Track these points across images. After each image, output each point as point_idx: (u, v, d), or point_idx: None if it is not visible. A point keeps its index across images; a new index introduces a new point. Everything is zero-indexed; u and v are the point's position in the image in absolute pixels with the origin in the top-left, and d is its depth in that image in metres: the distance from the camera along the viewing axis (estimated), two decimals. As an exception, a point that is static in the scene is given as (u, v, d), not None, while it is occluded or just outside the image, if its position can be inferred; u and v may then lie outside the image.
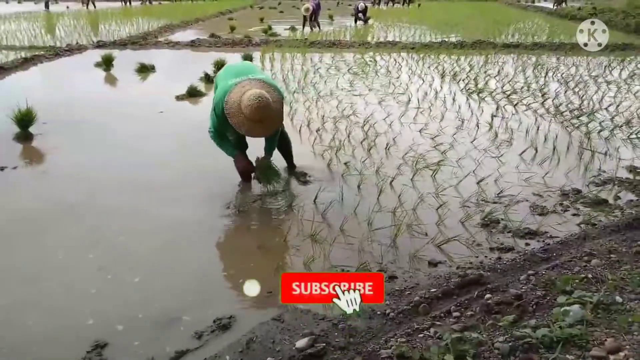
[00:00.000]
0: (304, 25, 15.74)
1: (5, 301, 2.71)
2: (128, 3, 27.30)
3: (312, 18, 15.65)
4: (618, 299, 2.35)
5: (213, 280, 2.92)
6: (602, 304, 2.30)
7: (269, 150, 4.00)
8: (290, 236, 3.34)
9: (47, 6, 21.76)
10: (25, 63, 9.70)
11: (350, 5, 26.16)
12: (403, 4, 29.62)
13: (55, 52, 10.87)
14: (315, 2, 16.23)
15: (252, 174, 4.06)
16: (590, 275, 2.63)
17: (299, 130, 5.53)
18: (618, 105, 6.48)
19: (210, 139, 3.94)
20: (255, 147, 4.13)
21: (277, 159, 4.22)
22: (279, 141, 4.14)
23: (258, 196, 3.99)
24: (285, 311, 2.57)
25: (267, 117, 3.44)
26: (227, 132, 3.85)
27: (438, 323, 2.38)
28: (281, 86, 7.33)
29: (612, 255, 2.88)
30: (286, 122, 5.53)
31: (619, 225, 3.34)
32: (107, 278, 2.91)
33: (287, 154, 4.42)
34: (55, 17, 19.37)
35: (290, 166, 4.47)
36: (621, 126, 5.62)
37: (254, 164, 3.97)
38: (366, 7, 18.25)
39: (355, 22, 17.78)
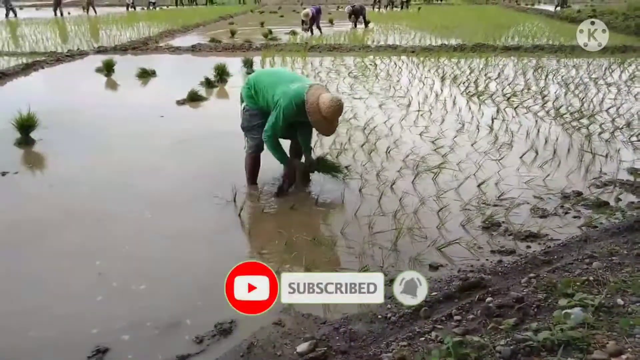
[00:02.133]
0: (303, 29, 15.83)
1: (8, 308, 2.71)
2: (132, 8, 27.40)
3: (312, 23, 15.72)
4: (620, 301, 2.34)
5: (213, 284, 2.90)
6: (604, 307, 2.29)
7: (308, 150, 4.26)
8: (292, 240, 3.34)
9: (56, 12, 21.86)
10: (26, 69, 9.73)
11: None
12: (401, 7, 29.66)
13: (57, 58, 10.90)
14: (316, 7, 16.36)
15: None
16: (591, 278, 2.62)
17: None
18: (618, 108, 6.48)
19: (264, 141, 4.01)
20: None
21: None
22: (308, 134, 4.27)
23: (259, 200, 3.99)
24: (286, 315, 2.57)
25: (338, 117, 3.90)
26: (283, 131, 3.99)
27: (439, 327, 2.38)
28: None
29: (613, 258, 2.87)
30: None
31: (620, 227, 3.33)
32: (111, 285, 2.91)
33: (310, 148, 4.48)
34: (57, 23, 19.44)
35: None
36: (622, 128, 5.62)
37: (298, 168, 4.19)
38: (362, 8, 18.20)
39: (355, 25, 17.79)
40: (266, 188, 4.23)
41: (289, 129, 4.01)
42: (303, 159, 4.27)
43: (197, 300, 2.75)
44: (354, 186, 4.19)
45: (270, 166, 4.35)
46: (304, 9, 16.50)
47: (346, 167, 4.51)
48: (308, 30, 15.80)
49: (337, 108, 3.75)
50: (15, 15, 21.44)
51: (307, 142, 4.24)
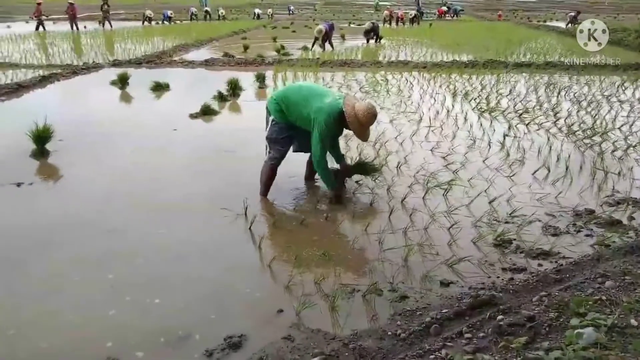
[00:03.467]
0: (313, 45, 15.93)
1: (20, 319, 2.73)
2: (148, 22, 27.79)
3: (325, 39, 15.88)
4: (633, 322, 2.31)
5: (224, 298, 2.93)
6: (617, 327, 2.27)
7: (341, 158, 4.48)
8: (301, 254, 3.35)
9: (72, 27, 22.32)
10: (43, 81, 9.90)
11: (360, 25, 26.40)
12: (412, 24, 29.83)
13: (72, 71, 11.08)
14: (329, 23, 16.54)
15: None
16: (604, 298, 2.59)
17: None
18: (631, 125, 6.45)
19: (316, 168, 4.20)
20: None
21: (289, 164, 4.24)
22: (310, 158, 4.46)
23: (269, 214, 4.01)
24: (296, 330, 2.57)
25: (374, 122, 4.13)
26: (327, 148, 4.19)
27: (449, 344, 2.36)
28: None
29: (626, 277, 2.84)
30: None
31: (634, 246, 3.30)
32: (124, 298, 2.93)
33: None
34: (72, 36, 19.80)
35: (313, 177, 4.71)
36: (635, 146, 5.59)
37: (341, 177, 4.43)
38: (377, 26, 18.41)
39: (367, 41, 17.92)
40: (277, 202, 4.25)
41: (306, 142, 4.18)
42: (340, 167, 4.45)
43: (207, 313, 2.76)
44: (365, 201, 4.20)
45: (283, 179, 4.39)
46: (317, 25, 16.62)
47: (357, 182, 4.53)
48: (322, 47, 15.93)
49: (373, 114, 4.03)
50: (44, 29, 22.05)
51: (338, 151, 4.48)
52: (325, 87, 4.64)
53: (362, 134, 4.12)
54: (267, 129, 4.28)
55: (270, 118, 4.25)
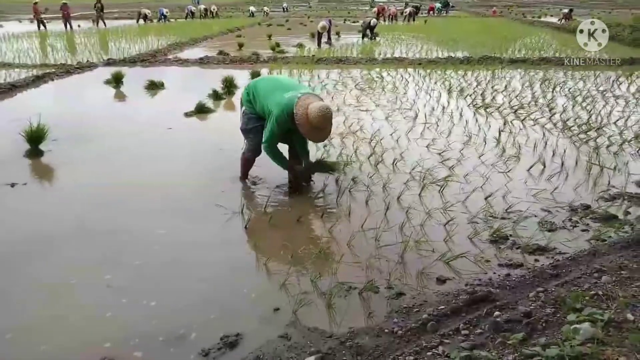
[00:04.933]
0: (319, 41, 16.00)
1: (18, 321, 2.71)
2: (144, 20, 27.65)
3: (329, 35, 16.05)
4: (629, 316, 2.31)
5: (220, 297, 2.91)
6: (613, 322, 2.27)
7: (305, 154, 4.41)
8: (297, 252, 3.34)
9: (66, 26, 22.26)
10: (36, 81, 9.85)
11: (355, 22, 26.35)
12: (408, 20, 29.80)
13: (66, 70, 11.03)
14: (328, 19, 16.72)
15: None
16: (600, 292, 2.59)
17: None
18: (626, 120, 6.46)
19: (265, 151, 4.24)
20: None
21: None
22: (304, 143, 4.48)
23: (265, 212, 4.00)
24: (292, 329, 2.56)
25: (329, 125, 3.96)
26: (277, 139, 4.16)
27: (446, 341, 2.36)
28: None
29: (622, 272, 2.85)
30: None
31: (629, 241, 3.30)
32: (121, 299, 2.91)
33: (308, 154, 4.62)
34: (67, 35, 19.69)
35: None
36: (630, 141, 5.60)
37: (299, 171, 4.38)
38: (376, 23, 18.48)
39: (363, 37, 17.89)
40: (272, 200, 4.24)
41: (286, 135, 4.18)
42: (303, 163, 4.41)
43: (203, 312, 2.74)
44: (361, 198, 4.19)
45: (274, 172, 4.38)
46: (320, 22, 16.61)
47: (352, 179, 4.52)
48: (327, 43, 16.09)
49: (324, 117, 3.82)
50: (45, 28, 22.03)
51: (304, 147, 4.39)
52: (298, 82, 4.62)
53: (313, 135, 3.98)
54: (241, 120, 4.36)
55: (242, 109, 4.32)
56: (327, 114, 3.84)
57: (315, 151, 5.34)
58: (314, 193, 4.35)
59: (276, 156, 4.23)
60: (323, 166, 4.49)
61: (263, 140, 4.16)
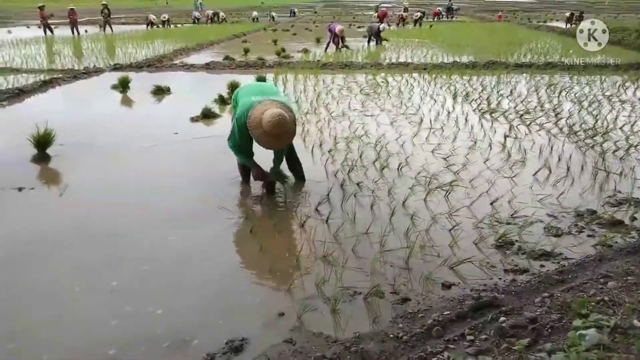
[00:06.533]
0: (343, 44, 16.15)
1: (21, 327, 2.72)
2: (149, 26, 27.81)
3: (336, 39, 16.13)
4: (636, 322, 2.31)
5: (225, 301, 2.92)
6: (620, 328, 2.26)
7: (277, 161, 4.43)
8: (302, 257, 3.34)
9: (73, 31, 22.48)
10: (44, 86, 9.92)
11: (360, 28, 26.38)
12: (415, 25, 29.82)
13: (74, 75, 11.10)
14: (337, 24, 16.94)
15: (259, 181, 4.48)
16: (606, 298, 2.59)
17: (312, 151, 5.57)
18: (633, 125, 6.43)
19: (229, 147, 4.29)
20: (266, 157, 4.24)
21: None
22: (290, 162, 4.69)
23: (270, 217, 4.01)
24: (297, 333, 2.56)
25: (284, 133, 3.90)
26: (242, 141, 4.17)
27: (452, 347, 2.35)
28: (295, 107, 7.42)
29: (629, 278, 2.84)
30: (299, 142, 5.63)
31: (636, 246, 3.29)
32: (126, 305, 2.92)
33: (297, 172, 4.77)
34: (74, 41, 19.84)
35: (301, 179, 4.76)
36: (636, 145, 5.57)
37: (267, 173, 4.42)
38: (385, 28, 18.56)
39: (369, 42, 17.90)
40: (277, 205, 4.25)
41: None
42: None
43: (208, 317, 2.75)
44: (366, 203, 4.19)
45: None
46: (337, 26, 16.68)
47: (357, 184, 4.55)
48: (344, 46, 16.21)
49: (275, 123, 3.77)
50: (52, 33, 22.26)
51: (279, 155, 4.40)
52: (280, 91, 4.67)
53: (265, 141, 3.92)
54: None
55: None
56: (279, 121, 3.77)
57: (320, 156, 5.39)
58: (320, 197, 4.35)
59: (238, 153, 4.32)
60: (280, 176, 4.56)
61: (230, 146, 4.25)
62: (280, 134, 3.86)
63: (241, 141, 4.13)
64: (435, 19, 37.12)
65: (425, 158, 5.30)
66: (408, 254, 3.29)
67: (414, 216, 3.90)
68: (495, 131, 6.28)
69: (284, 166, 4.61)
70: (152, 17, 28.37)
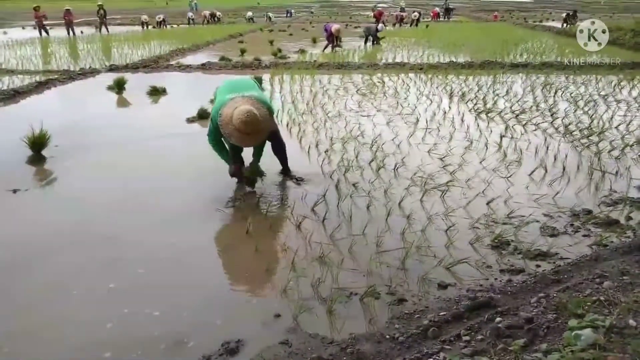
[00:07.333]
0: (333, 46, 16.17)
1: (16, 329, 2.71)
2: (146, 27, 27.74)
3: (335, 38, 16.16)
4: (631, 322, 2.30)
5: (221, 303, 2.91)
6: (615, 328, 2.26)
7: (257, 156, 4.50)
8: (298, 258, 3.33)
9: (69, 32, 22.43)
10: (39, 87, 9.88)
11: (357, 28, 26.37)
12: (411, 25, 29.85)
13: (69, 76, 11.06)
14: (332, 24, 16.96)
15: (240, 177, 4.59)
16: (602, 298, 2.58)
17: (308, 151, 5.57)
18: (628, 124, 6.45)
19: (209, 143, 4.42)
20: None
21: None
22: (276, 147, 4.73)
23: (266, 218, 4.00)
24: (293, 335, 2.56)
25: (255, 131, 3.91)
26: (218, 139, 4.31)
27: (448, 347, 2.35)
28: (289, 107, 7.41)
29: (624, 277, 2.84)
30: (294, 143, 5.68)
31: (631, 246, 3.29)
32: (120, 307, 2.91)
33: (282, 160, 4.85)
34: (69, 41, 19.78)
35: (286, 170, 4.86)
36: (632, 145, 5.59)
37: (244, 170, 4.52)
38: (383, 28, 18.58)
39: (365, 43, 17.89)
40: (273, 206, 4.24)
41: None
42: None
43: (204, 319, 2.74)
44: (362, 204, 4.18)
45: (274, 177, 4.38)
46: (334, 25, 16.70)
47: (353, 184, 4.54)
48: (337, 45, 16.25)
49: (245, 120, 3.78)
50: (48, 34, 22.21)
51: (259, 150, 4.46)
52: (255, 84, 4.65)
53: (238, 139, 3.94)
54: None
55: None
56: (248, 118, 3.78)
57: (316, 156, 5.38)
58: (317, 198, 4.35)
59: (215, 150, 4.42)
60: (252, 172, 4.52)
61: (209, 143, 4.37)
62: (251, 132, 3.87)
63: (216, 139, 4.22)
64: (433, 20, 37.16)
65: (422, 158, 5.30)
66: (404, 254, 3.28)
67: (410, 217, 3.90)
68: (491, 131, 6.29)
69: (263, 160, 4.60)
70: (144, 17, 28.31)
